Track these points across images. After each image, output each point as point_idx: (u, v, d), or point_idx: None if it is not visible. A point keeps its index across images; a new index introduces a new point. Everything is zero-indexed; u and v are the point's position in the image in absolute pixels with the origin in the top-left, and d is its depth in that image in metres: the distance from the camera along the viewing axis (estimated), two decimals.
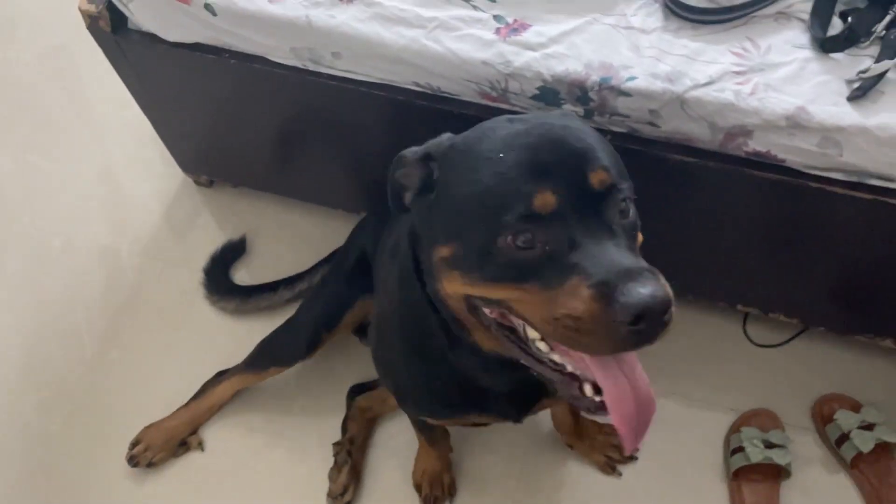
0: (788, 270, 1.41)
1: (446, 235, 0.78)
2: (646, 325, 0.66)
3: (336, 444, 1.52)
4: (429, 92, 1.28)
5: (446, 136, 0.85)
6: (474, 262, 0.75)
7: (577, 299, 0.68)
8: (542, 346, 0.78)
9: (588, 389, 0.77)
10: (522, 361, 0.82)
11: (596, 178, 0.73)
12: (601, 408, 0.76)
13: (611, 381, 0.75)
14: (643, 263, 0.71)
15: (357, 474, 1.50)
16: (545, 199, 0.71)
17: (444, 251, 0.78)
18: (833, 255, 1.33)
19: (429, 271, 0.84)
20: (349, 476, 1.47)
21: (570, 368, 0.78)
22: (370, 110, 1.36)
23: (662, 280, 0.68)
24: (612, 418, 0.75)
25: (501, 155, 0.74)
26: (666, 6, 1.20)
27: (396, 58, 1.23)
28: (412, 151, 0.83)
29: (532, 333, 0.78)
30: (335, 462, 1.50)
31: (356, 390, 1.57)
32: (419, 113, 1.30)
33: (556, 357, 0.78)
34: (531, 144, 0.74)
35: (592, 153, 0.75)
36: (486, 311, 0.80)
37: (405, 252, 0.92)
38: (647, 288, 0.65)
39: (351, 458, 1.48)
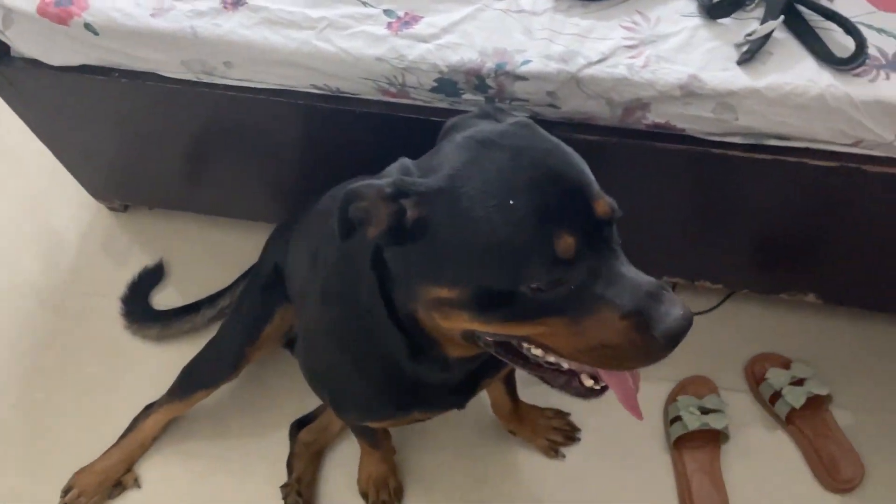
0: (706, 238, 1.43)
1: (448, 279, 0.77)
2: (676, 340, 0.72)
3: (284, 487, 1.46)
4: (328, 93, 1.26)
5: (411, 165, 0.80)
6: (490, 305, 0.76)
7: (612, 331, 0.72)
8: (537, 352, 0.81)
9: (587, 381, 0.83)
10: (518, 368, 0.85)
11: (600, 209, 0.75)
12: (599, 393, 0.83)
13: (614, 375, 0.82)
14: (652, 279, 0.74)
15: None
16: (566, 244, 0.71)
17: (443, 293, 0.77)
18: (745, 218, 1.35)
19: (405, 298, 0.84)
20: None
21: (566, 366, 0.82)
22: (272, 117, 1.33)
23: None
24: (617, 397, 0.83)
25: (511, 202, 0.72)
26: None
27: (289, 62, 1.20)
28: (369, 186, 0.76)
29: (527, 343, 0.81)
30: None
31: (298, 425, 1.51)
32: (322, 115, 1.28)
33: (551, 358, 0.81)
34: (533, 184, 0.73)
35: (586, 179, 0.77)
36: (489, 338, 0.82)
37: (363, 274, 0.88)
38: (678, 309, 0.71)
39: (301, 497, 1.43)
